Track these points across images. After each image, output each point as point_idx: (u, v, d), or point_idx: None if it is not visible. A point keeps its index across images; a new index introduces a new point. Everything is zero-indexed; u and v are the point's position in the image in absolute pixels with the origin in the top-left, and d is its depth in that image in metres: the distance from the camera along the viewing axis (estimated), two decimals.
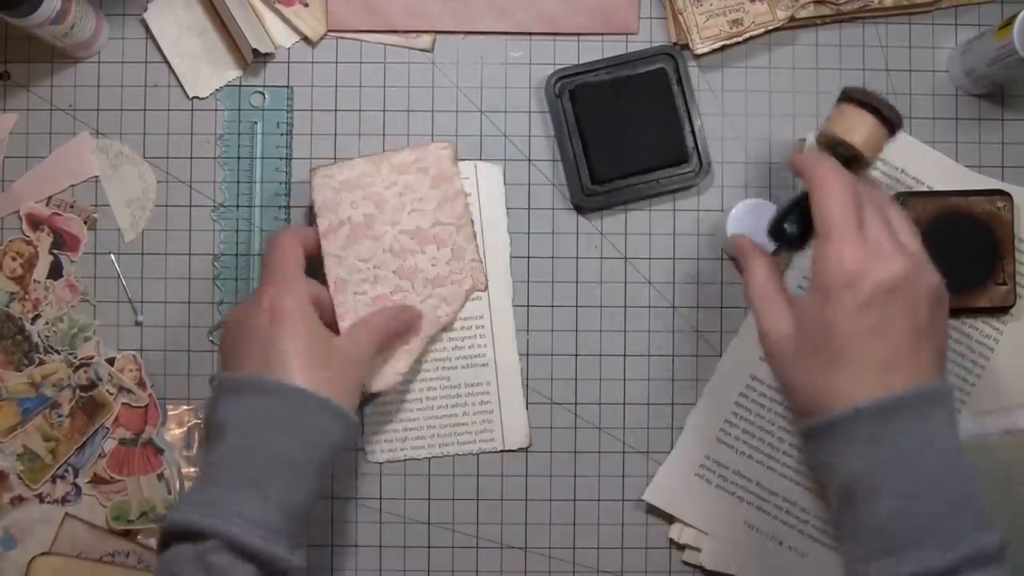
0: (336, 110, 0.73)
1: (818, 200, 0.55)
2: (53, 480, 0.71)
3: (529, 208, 0.73)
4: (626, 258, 0.73)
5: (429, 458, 0.73)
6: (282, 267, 0.63)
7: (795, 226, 0.59)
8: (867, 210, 0.55)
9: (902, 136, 0.72)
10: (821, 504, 0.71)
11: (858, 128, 0.58)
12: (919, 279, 0.54)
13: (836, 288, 0.53)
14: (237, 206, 0.73)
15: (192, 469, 0.72)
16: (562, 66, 0.72)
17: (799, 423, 0.57)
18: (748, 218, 0.68)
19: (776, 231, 0.60)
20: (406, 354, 0.70)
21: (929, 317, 0.54)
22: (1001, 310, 0.72)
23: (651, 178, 0.72)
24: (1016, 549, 0.70)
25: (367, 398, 0.72)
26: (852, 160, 0.58)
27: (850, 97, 0.59)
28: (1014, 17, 0.65)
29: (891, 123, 0.59)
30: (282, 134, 0.73)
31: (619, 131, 0.71)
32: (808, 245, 0.58)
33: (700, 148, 0.72)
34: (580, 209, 0.73)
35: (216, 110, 0.73)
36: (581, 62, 0.72)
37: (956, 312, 0.71)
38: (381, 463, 0.73)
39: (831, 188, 0.55)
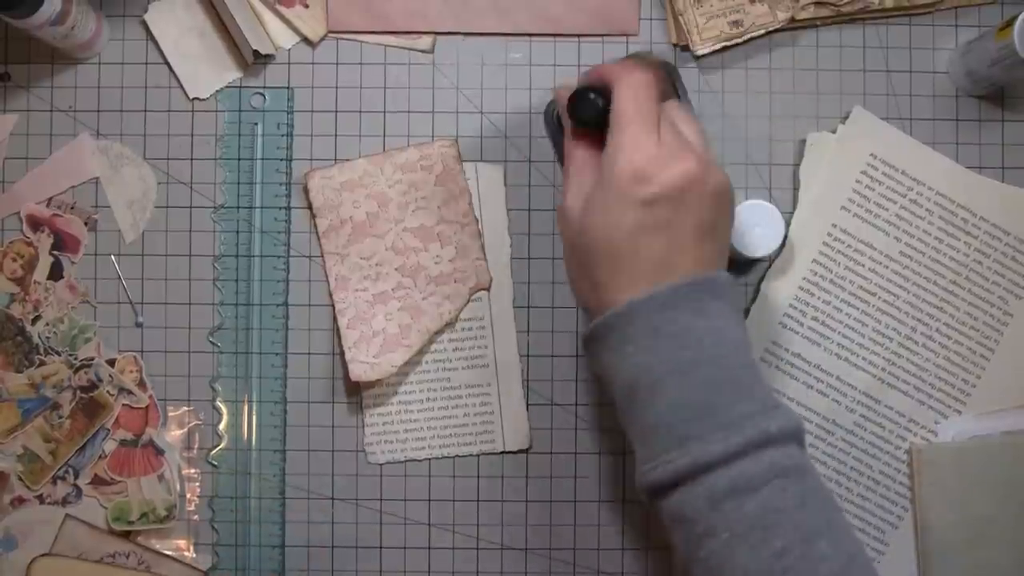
0: (336, 111, 0.73)
1: (620, 94, 0.54)
2: (53, 481, 0.71)
3: (529, 209, 0.73)
4: None
5: (429, 459, 0.73)
6: None
7: (599, 102, 0.56)
8: (663, 112, 0.55)
9: (902, 137, 0.72)
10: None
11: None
12: (708, 178, 0.53)
13: (626, 180, 0.53)
14: (238, 207, 0.73)
15: (192, 470, 0.72)
16: (561, 66, 0.72)
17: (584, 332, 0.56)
18: (747, 219, 0.68)
19: (577, 105, 0.57)
20: (404, 349, 0.70)
21: (714, 217, 0.54)
22: None
23: None
24: (1019, 549, 0.71)
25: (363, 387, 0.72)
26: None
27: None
28: (1014, 18, 0.65)
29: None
30: (282, 135, 0.73)
31: None
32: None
33: None
34: None
35: (216, 111, 0.73)
36: (581, 64, 0.72)
37: None
38: (381, 464, 0.73)
39: (634, 83, 0.54)
